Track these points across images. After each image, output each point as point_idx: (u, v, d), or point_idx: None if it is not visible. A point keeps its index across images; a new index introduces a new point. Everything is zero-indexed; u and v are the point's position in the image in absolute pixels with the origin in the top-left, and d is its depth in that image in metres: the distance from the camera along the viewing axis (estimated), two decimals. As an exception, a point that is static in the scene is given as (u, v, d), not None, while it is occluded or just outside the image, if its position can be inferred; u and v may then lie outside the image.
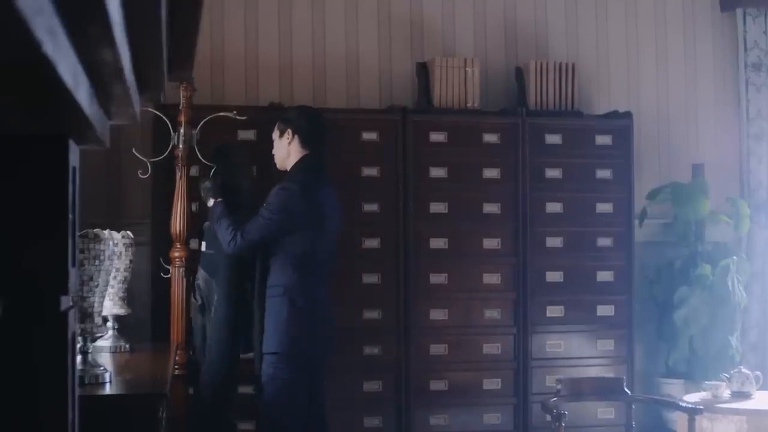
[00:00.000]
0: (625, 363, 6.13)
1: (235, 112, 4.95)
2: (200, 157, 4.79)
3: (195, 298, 4.75)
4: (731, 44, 6.93)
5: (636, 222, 6.28)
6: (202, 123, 4.83)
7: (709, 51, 6.93)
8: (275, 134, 4.80)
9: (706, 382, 5.59)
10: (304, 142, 4.72)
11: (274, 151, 4.82)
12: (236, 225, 4.54)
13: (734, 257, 6.36)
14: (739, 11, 6.87)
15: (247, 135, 5.65)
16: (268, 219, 4.53)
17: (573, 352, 6.08)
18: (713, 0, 6.93)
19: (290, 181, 4.63)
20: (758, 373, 5.45)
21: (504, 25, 6.60)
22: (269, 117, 5.74)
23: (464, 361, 5.93)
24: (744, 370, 5.45)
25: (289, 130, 4.73)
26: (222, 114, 4.91)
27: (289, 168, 4.73)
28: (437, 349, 5.89)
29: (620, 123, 6.26)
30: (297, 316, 4.52)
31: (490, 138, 6.02)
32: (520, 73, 6.33)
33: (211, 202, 4.71)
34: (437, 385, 5.88)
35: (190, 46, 2.04)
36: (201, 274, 4.76)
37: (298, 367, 4.53)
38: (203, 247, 4.82)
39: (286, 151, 4.74)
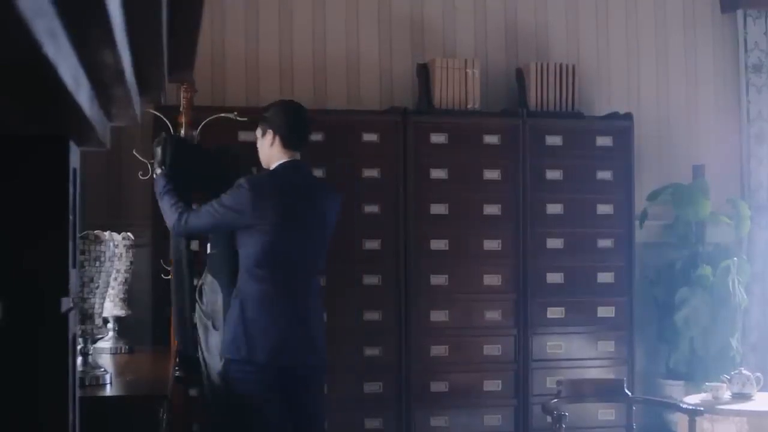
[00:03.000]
0: (625, 364, 6.13)
1: (235, 113, 4.95)
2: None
3: (201, 303, 4.65)
4: (732, 45, 6.93)
5: (636, 223, 6.28)
6: (202, 124, 4.83)
7: (709, 52, 6.94)
8: (258, 132, 4.56)
9: (707, 383, 5.58)
10: (287, 145, 4.46)
11: (259, 149, 4.58)
12: (184, 206, 4.34)
13: (735, 258, 6.36)
14: (739, 12, 6.87)
15: (248, 136, 5.63)
16: (215, 210, 4.28)
17: (573, 353, 6.08)
18: (713, 1, 6.93)
19: (252, 178, 4.40)
20: (759, 374, 5.45)
21: (504, 27, 6.60)
22: (270, 118, 5.75)
23: (465, 363, 5.93)
24: (744, 371, 5.45)
25: (270, 131, 4.47)
26: (223, 115, 4.91)
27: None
28: (438, 350, 5.89)
29: (621, 124, 6.26)
30: (246, 324, 4.26)
31: (491, 139, 6.03)
32: (520, 75, 6.33)
33: (158, 171, 4.47)
34: (438, 386, 5.88)
35: (190, 48, 2.04)
36: (207, 279, 4.64)
37: (256, 377, 4.24)
38: (208, 249, 4.73)
39: (269, 153, 4.50)
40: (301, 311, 4.36)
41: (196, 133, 4.79)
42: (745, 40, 6.87)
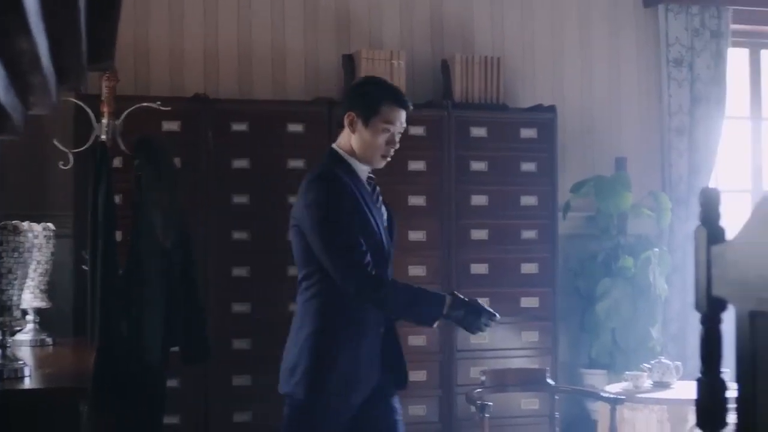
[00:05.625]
0: (549, 354, 6.19)
1: (159, 102, 4.90)
2: (123, 148, 4.74)
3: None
4: (654, 39, 7.03)
5: (560, 215, 6.35)
6: (125, 114, 4.77)
7: (632, 46, 7.03)
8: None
9: (627, 372, 5.66)
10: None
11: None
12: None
13: (656, 249, 6.45)
14: (661, 7, 6.97)
15: (172, 126, 5.60)
16: None
17: (498, 343, 6.12)
18: (636, -5, 7.03)
19: None
20: (678, 363, 5.54)
21: (430, 18, 6.62)
22: (194, 108, 5.71)
23: (390, 353, 5.93)
24: (664, 360, 5.53)
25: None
26: (146, 105, 4.86)
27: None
28: (363, 341, 5.89)
29: (545, 116, 6.31)
30: None
31: (416, 130, 6.03)
32: (446, 66, 6.35)
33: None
34: (363, 377, 5.87)
35: (110, 35, 2.01)
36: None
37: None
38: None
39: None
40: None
41: (118, 123, 4.73)
42: (667, 35, 6.97)
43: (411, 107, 3.95)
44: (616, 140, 6.89)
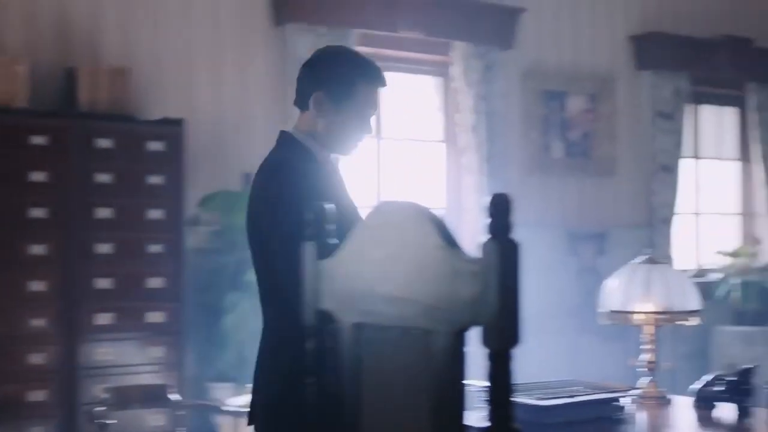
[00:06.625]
0: (176, 369, 6.13)
1: None
2: None
3: None
4: (282, 58, 7.16)
5: (187, 229, 6.32)
6: None
7: (262, 63, 7.13)
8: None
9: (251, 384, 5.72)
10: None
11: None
12: None
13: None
14: (289, 26, 7.12)
15: None
16: None
17: (124, 359, 5.99)
18: (266, 14, 7.14)
19: None
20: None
21: (57, 23, 6.40)
22: None
23: (6, 373, 5.67)
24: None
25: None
26: None
27: None
28: (-24, 361, 5.60)
29: (173, 129, 6.26)
30: None
31: (39, 140, 5.80)
32: (71, 74, 6.16)
33: None
34: (-22, 399, 5.58)
35: None
36: None
37: None
38: None
39: None
40: None
41: None
42: (294, 53, 7.12)
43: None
44: (246, 155, 6.94)
